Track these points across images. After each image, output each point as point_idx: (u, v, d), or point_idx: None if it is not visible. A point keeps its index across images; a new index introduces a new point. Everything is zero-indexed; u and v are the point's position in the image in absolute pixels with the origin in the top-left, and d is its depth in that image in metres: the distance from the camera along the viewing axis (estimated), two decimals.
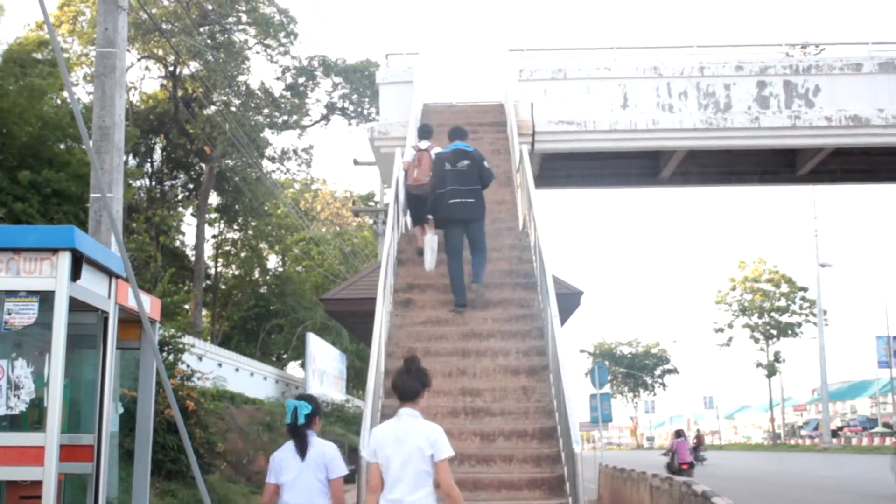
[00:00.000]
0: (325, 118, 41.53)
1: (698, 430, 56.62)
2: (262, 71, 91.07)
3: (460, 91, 14.83)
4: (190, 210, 41.82)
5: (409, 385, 5.64)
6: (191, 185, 41.18)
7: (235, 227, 46.70)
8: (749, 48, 19.07)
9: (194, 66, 34.94)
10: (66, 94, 21.48)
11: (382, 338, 9.96)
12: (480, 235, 11.66)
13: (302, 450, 6.08)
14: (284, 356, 46.49)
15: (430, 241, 12.30)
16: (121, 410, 7.64)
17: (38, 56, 23.26)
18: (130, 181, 27.80)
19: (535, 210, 12.35)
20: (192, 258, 40.14)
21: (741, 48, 19.04)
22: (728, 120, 17.54)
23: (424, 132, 13.74)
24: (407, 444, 5.42)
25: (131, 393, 8.03)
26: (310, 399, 6.28)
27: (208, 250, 44.08)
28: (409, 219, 13.71)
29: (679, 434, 25.01)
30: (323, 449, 6.12)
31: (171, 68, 36.10)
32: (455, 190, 11.50)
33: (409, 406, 5.60)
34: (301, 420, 6.10)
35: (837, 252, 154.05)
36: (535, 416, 9.66)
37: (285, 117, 40.15)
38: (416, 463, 5.38)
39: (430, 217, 12.32)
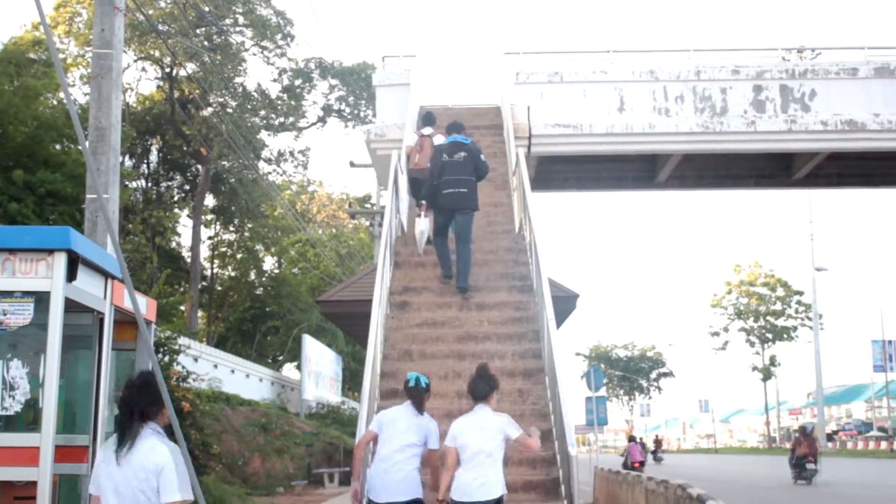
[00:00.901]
0: (322, 120, 41.54)
1: (657, 436, 62.01)
2: (259, 73, 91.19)
3: (457, 94, 14.92)
4: (186, 211, 41.82)
5: (481, 388, 7.19)
6: (187, 187, 41.17)
7: (231, 228, 46.71)
8: (745, 52, 19.16)
9: (191, 67, 34.93)
10: (62, 94, 21.47)
11: (378, 340, 9.97)
12: (468, 225, 11.96)
13: (419, 409, 7.26)
14: (280, 358, 46.48)
15: (420, 223, 12.57)
16: (116, 411, 7.64)
17: (34, 56, 23.24)
18: (127, 182, 27.75)
19: (531, 213, 12.36)
20: (188, 259, 40.12)
21: (737, 52, 19.09)
22: (724, 124, 17.56)
23: (428, 119, 14.14)
24: (486, 430, 6.93)
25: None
26: (426, 377, 7.50)
27: (204, 252, 44.08)
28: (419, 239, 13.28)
29: (632, 439, 31.02)
30: (428, 422, 7.25)
31: (167, 70, 36.09)
32: (450, 180, 11.89)
33: (482, 403, 7.13)
34: (422, 385, 7.36)
35: (833, 256, 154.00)
36: (531, 418, 9.65)
37: (282, 119, 40.15)
38: (495, 445, 6.91)
39: (423, 202, 12.58)
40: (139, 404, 4.47)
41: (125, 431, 4.41)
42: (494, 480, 6.89)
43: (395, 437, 7.08)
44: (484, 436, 6.94)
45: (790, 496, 23.32)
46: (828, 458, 47.93)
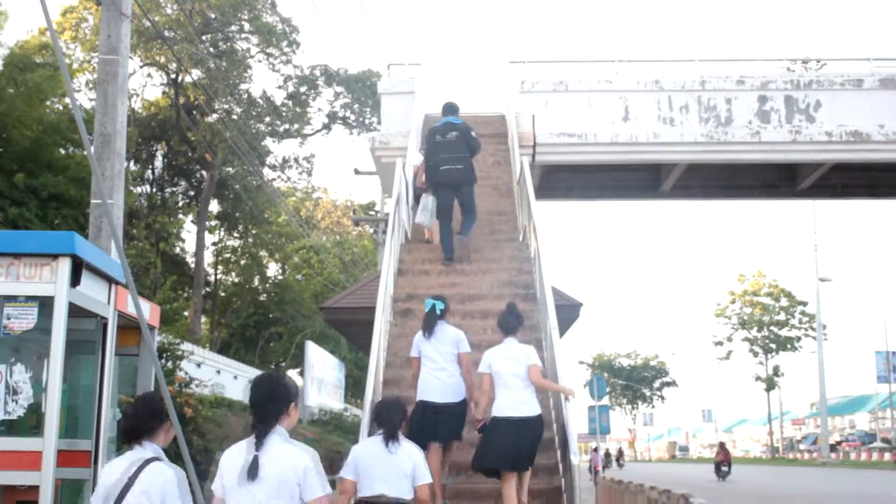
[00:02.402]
0: (327, 127, 41.60)
1: (620, 448, 72.02)
2: (264, 79, 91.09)
3: (462, 102, 14.86)
4: (190, 217, 41.86)
5: (511, 323, 8.29)
6: (191, 193, 41.23)
7: (235, 234, 46.74)
8: (750, 63, 19.11)
9: (196, 73, 35.01)
10: (67, 99, 21.51)
11: (381, 347, 9.95)
12: (470, 198, 12.77)
13: (430, 328, 8.38)
14: (283, 364, 46.44)
15: (425, 200, 13.03)
16: (118, 417, 7.63)
17: (39, 60, 23.29)
18: (131, 187, 27.81)
19: (536, 221, 12.36)
20: (192, 265, 40.14)
21: (742, 62, 19.08)
22: (729, 134, 17.55)
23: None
24: (517, 359, 7.96)
25: (129, 399, 8.02)
26: (443, 298, 8.64)
27: (208, 257, 44.14)
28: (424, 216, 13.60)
29: (595, 450, 35.92)
30: (456, 332, 8.45)
31: (173, 76, 36.18)
32: (445, 158, 12.55)
33: (511, 336, 8.22)
34: (437, 311, 8.48)
35: (837, 267, 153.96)
36: None
37: (286, 126, 40.21)
38: (524, 372, 7.90)
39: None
40: (272, 406, 4.46)
41: (263, 436, 4.38)
42: (532, 401, 7.93)
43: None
44: (515, 364, 7.96)
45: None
46: (824, 469, 47.97)
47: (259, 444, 4.29)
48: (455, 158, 12.55)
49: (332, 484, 4.97)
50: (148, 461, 4.49)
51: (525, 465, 7.89)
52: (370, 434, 7.13)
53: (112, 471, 4.49)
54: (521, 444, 7.82)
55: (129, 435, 4.63)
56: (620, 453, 67.41)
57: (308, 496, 4.25)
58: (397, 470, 6.23)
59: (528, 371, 7.92)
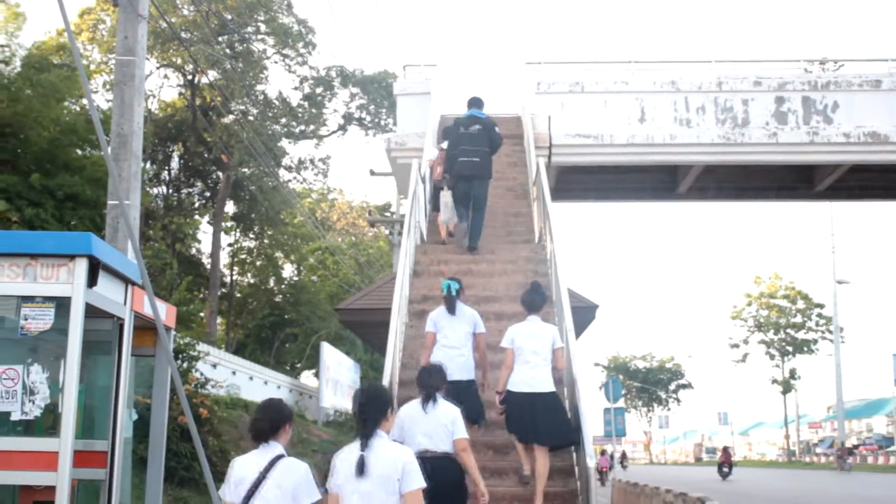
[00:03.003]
0: (343, 128, 41.65)
1: (623, 451, 70.86)
2: (280, 80, 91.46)
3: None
4: (206, 218, 41.97)
5: (536, 300, 8.79)
6: (207, 194, 41.32)
7: (251, 235, 46.81)
8: (767, 63, 19.03)
9: (213, 74, 35.10)
10: (85, 101, 21.59)
11: (397, 348, 9.95)
12: (483, 192, 12.94)
13: (451, 310, 8.92)
14: (298, 365, 46.52)
15: (445, 197, 13.41)
16: (135, 417, 7.65)
17: (56, 61, 23.36)
18: (147, 188, 27.87)
19: (552, 222, 12.33)
20: (208, 266, 40.23)
21: (759, 63, 18.99)
22: (746, 135, 17.48)
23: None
24: (543, 338, 8.44)
25: (145, 400, 8.05)
26: (458, 280, 9.15)
27: (224, 258, 44.22)
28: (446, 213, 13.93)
29: (603, 453, 42.18)
30: (473, 313, 9.06)
31: (189, 77, 36.27)
32: (466, 150, 12.76)
33: (535, 314, 8.71)
34: (454, 292, 8.98)
35: (855, 269, 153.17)
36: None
37: (302, 127, 40.29)
38: (546, 351, 8.39)
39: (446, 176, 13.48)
40: (372, 413, 5.19)
41: (366, 438, 5.10)
42: (548, 378, 8.38)
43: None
44: (537, 341, 8.41)
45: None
46: (840, 473, 47.78)
47: (364, 445, 5.05)
48: (474, 151, 12.77)
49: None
50: (279, 457, 5.19)
51: (552, 440, 8.26)
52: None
53: (245, 464, 5.20)
54: (536, 419, 8.18)
55: (258, 435, 5.30)
56: (624, 456, 68.46)
57: (405, 489, 4.96)
58: (437, 426, 6.98)
59: (552, 352, 8.45)
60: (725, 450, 46.86)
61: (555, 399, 8.39)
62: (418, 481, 5.00)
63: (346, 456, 5.09)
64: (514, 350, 8.44)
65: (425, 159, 14.94)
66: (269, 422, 5.33)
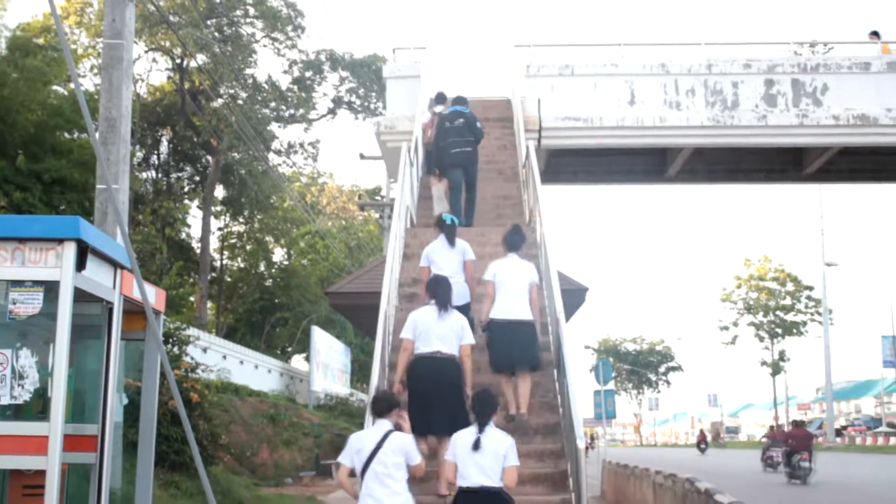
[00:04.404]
0: (332, 112, 41.56)
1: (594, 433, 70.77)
2: (269, 64, 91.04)
3: (467, 86, 15.16)
4: (196, 202, 41.90)
5: (516, 241, 9.69)
6: (197, 178, 41.23)
7: (241, 219, 46.76)
8: (757, 46, 19.06)
9: (201, 58, 34.95)
10: (72, 84, 21.46)
11: (387, 332, 9.96)
12: (475, 177, 13.81)
13: (451, 241, 9.95)
14: (289, 349, 46.55)
15: (437, 189, 14.03)
16: (125, 401, 7.64)
17: (41, 42, 23.17)
18: (136, 172, 27.74)
19: (541, 206, 12.34)
20: (198, 251, 40.17)
21: (749, 46, 19.05)
22: (735, 118, 17.48)
23: (440, 98, 15.59)
24: (521, 273, 9.30)
25: (135, 383, 8.03)
26: (453, 216, 10.27)
27: (214, 243, 44.18)
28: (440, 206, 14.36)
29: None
30: (463, 242, 10.02)
31: (178, 61, 36.13)
32: (455, 142, 13.53)
33: (514, 252, 9.58)
34: (457, 223, 10.23)
35: (843, 251, 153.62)
36: (539, 411, 9.65)
37: (292, 111, 40.18)
38: (524, 285, 9.23)
39: (436, 170, 14.19)
40: (488, 408, 7.09)
41: (483, 425, 6.94)
42: (527, 307, 9.16)
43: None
44: (516, 275, 9.26)
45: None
46: (830, 453, 47.99)
47: (481, 430, 6.88)
48: (464, 142, 13.51)
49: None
50: (391, 431, 6.65)
51: (526, 362, 9.09)
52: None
53: (361, 438, 6.71)
54: (517, 342, 9.02)
55: (379, 413, 6.80)
56: (593, 437, 68.80)
57: (507, 464, 6.79)
58: (449, 332, 8.29)
59: (529, 286, 9.28)
60: (702, 432, 52.23)
61: (532, 327, 9.15)
62: (516, 460, 6.85)
63: (465, 437, 6.88)
64: (495, 283, 9.26)
65: (419, 126, 15.87)
66: (386, 402, 6.88)
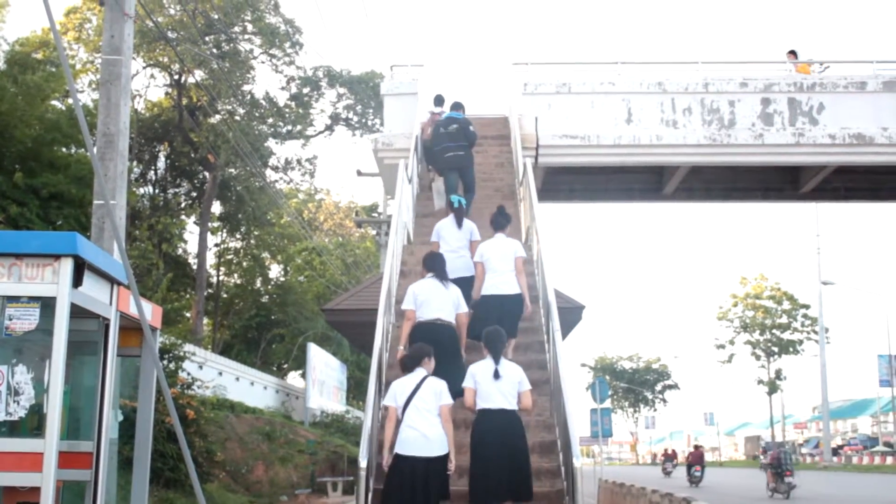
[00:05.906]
0: (329, 129, 41.60)
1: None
2: (267, 80, 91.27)
3: (465, 103, 15.15)
4: (193, 218, 41.83)
5: (501, 221, 10.48)
6: (194, 194, 41.21)
7: (238, 235, 46.69)
8: (754, 65, 19.11)
9: (199, 74, 35.02)
10: (70, 100, 21.47)
11: (383, 349, 9.94)
12: (471, 177, 14.44)
13: (460, 222, 10.93)
14: (285, 366, 46.44)
15: (439, 185, 14.85)
16: (120, 418, 7.61)
17: (39, 56, 23.17)
18: (133, 188, 27.72)
19: (538, 223, 12.35)
20: (195, 266, 40.12)
21: (746, 65, 19.07)
22: (732, 136, 17.53)
23: (438, 101, 16.28)
24: (506, 250, 10.09)
25: (132, 403, 8.02)
26: (460, 198, 11.37)
27: (210, 259, 44.08)
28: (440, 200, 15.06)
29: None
30: (471, 223, 10.97)
31: (176, 76, 36.18)
32: (449, 146, 14.29)
33: (500, 232, 10.37)
34: (464, 204, 11.27)
35: (840, 270, 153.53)
36: (536, 429, 9.62)
37: (289, 127, 40.21)
38: (510, 260, 10.01)
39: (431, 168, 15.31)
40: (500, 343, 8.32)
41: (497, 358, 8.18)
42: (514, 282, 9.97)
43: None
44: (503, 254, 10.04)
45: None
46: (825, 473, 47.88)
47: (497, 361, 8.12)
48: (458, 146, 14.28)
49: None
50: (426, 377, 8.03)
51: (509, 331, 9.62)
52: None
53: (402, 383, 8.03)
54: (503, 313, 9.75)
55: (409, 365, 8.15)
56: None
57: (522, 389, 8.10)
58: (448, 301, 9.26)
59: (514, 260, 10.04)
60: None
61: (519, 299, 10.00)
62: (528, 385, 8.15)
63: (483, 368, 8.09)
64: (483, 263, 10.09)
65: (419, 126, 16.67)
66: (422, 351, 8.19)
